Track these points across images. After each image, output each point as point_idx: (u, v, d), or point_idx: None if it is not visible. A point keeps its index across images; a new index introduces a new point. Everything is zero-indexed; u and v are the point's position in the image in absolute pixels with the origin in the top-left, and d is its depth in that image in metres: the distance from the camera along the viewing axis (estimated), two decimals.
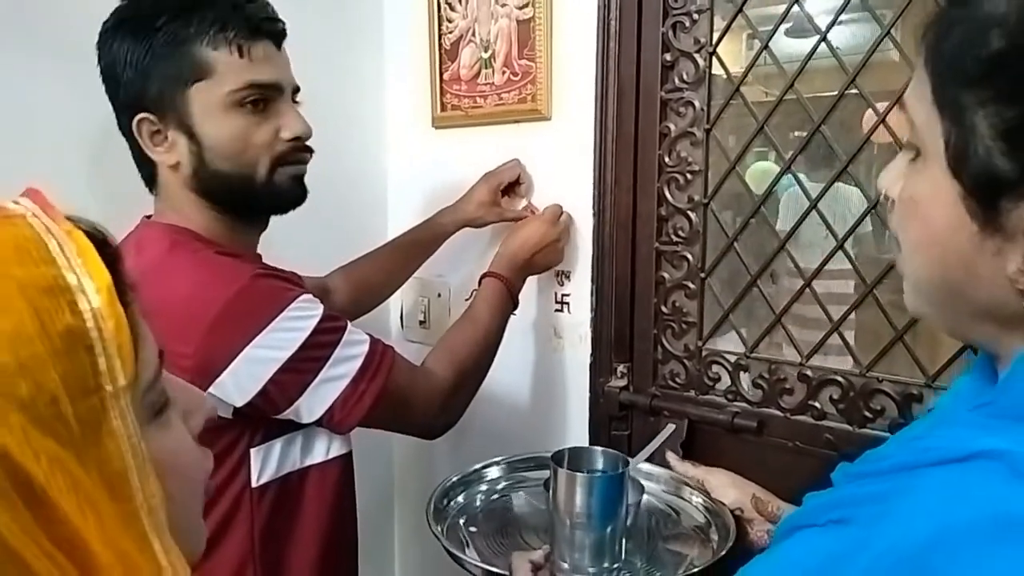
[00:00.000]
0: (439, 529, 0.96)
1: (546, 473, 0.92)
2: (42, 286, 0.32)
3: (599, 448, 0.98)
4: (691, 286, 1.20)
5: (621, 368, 1.27)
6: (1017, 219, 0.42)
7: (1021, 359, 0.42)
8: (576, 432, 1.33)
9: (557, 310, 1.33)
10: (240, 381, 0.82)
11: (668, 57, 1.17)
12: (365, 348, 0.90)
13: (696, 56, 1.14)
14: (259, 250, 0.98)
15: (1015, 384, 0.41)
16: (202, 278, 0.84)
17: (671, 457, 1.01)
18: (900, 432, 0.50)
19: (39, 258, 0.33)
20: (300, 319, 0.85)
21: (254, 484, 0.88)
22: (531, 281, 1.27)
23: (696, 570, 0.88)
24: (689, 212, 1.18)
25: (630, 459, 0.96)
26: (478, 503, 1.09)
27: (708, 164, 1.16)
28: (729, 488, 0.90)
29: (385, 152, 1.57)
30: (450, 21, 1.40)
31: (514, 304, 1.16)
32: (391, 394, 0.91)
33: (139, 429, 0.35)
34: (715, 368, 1.19)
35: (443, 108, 1.44)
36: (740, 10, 1.10)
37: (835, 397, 1.06)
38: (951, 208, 0.45)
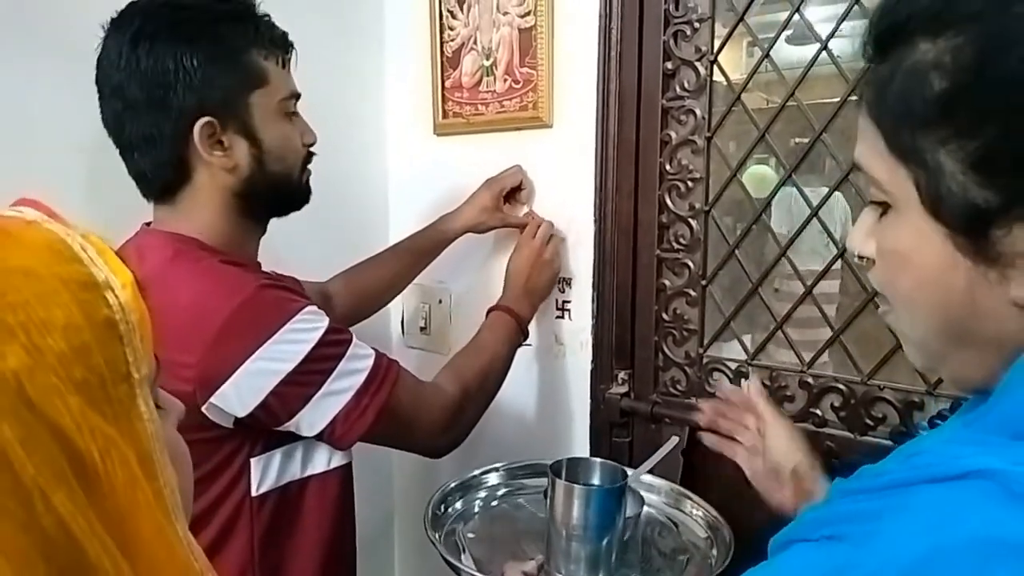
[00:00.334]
0: (436, 536, 0.95)
1: (545, 481, 0.91)
2: (80, 281, 0.35)
3: (598, 459, 0.98)
4: (692, 293, 1.20)
5: (622, 375, 1.27)
6: (1011, 244, 0.42)
7: (1011, 373, 0.42)
8: (577, 439, 1.33)
9: (558, 317, 1.33)
10: (242, 392, 0.81)
11: (669, 65, 1.17)
12: (370, 362, 0.90)
13: (697, 64, 1.15)
14: (263, 256, 0.99)
15: (1006, 398, 0.41)
16: (205, 288, 0.84)
17: (754, 384, 0.90)
18: (900, 447, 0.50)
19: (71, 257, 0.35)
20: (304, 331, 0.84)
21: (254, 493, 0.88)
22: None
23: None
24: (690, 219, 1.18)
25: (629, 471, 0.96)
26: (476, 509, 1.09)
27: (709, 172, 1.16)
28: (783, 441, 0.84)
29: (387, 159, 1.58)
30: (451, 29, 1.41)
31: (524, 334, 1.17)
32: (394, 410, 0.90)
33: (156, 416, 0.38)
34: (716, 375, 1.19)
35: (445, 115, 1.44)
36: (741, 18, 1.10)
37: (836, 405, 1.06)
38: (940, 249, 0.45)
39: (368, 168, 1.55)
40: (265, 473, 0.88)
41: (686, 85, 1.16)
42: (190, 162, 0.87)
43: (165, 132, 0.85)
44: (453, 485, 1.09)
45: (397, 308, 1.58)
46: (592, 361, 1.29)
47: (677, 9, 1.16)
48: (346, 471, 0.98)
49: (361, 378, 0.88)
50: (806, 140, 1.06)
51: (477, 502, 1.10)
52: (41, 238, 0.36)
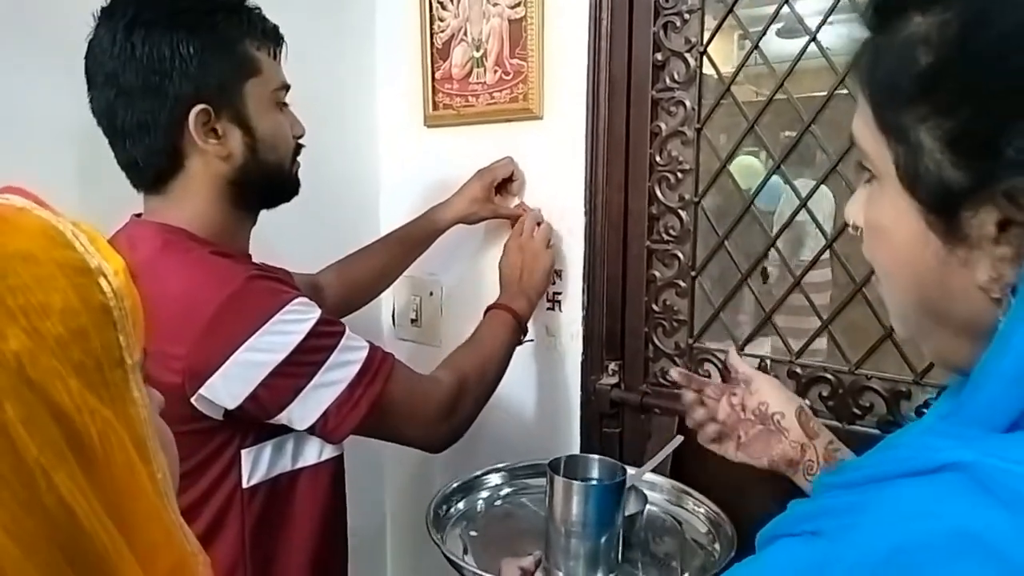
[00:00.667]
0: (439, 536, 0.95)
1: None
2: (75, 267, 0.35)
3: (597, 456, 0.97)
4: (682, 284, 1.20)
5: (612, 366, 1.27)
6: (979, 226, 0.42)
7: (983, 362, 0.42)
8: (568, 430, 1.33)
9: (549, 308, 1.34)
10: (230, 384, 0.81)
11: (659, 56, 1.17)
12: (364, 354, 0.89)
13: (687, 56, 1.15)
14: (254, 248, 0.99)
15: (981, 390, 0.41)
16: (195, 279, 0.84)
17: (731, 352, 0.92)
18: (883, 441, 0.50)
19: (64, 243, 0.36)
20: (294, 322, 0.84)
21: (245, 485, 0.87)
22: None
23: None
24: (680, 211, 1.19)
25: (629, 468, 0.96)
26: (479, 509, 1.08)
27: (699, 163, 1.16)
28: (777, 391, 0.85)
29: (377, 150, 1.57)
30: (442, 20, 1.40)
31: (522, 330, 1.17)
32: (389, 402, 0.90)
33: (148, 402, 0.38)
34: (706, 366, 1.20)
35: (435, 107, 1.44)
36: (731, 10, 1.10)
37: (824, 394, 1.07)
38: (914, 226, 0.45)
39: (358, 160, 1.55)
40: (256, 465, 0.88)
41: (676, 77, 1.16)
42: (184, 150, 0.87)
43: (160, 120, 0.84)
44: (455, 485, 1.08)
45: (388, 300, 1.58)
46: (582, 352, 1.30)
47: (667, 0, 1.16)
48: (337, 464, 0.98)
49: (354, 369, 0.87)
50: (795, 133, 1.06)
51: (479, 502, 1.10)
52: (36, 224, 0.36)
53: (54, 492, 0.31)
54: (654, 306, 1.24)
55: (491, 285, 1.34)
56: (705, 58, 1.14)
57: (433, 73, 1.43)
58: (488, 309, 1.17)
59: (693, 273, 1.19)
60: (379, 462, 1.67)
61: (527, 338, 1.22)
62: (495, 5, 1.31)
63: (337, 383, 0.86)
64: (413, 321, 1.57)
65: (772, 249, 1.10)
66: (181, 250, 0.86)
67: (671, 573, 0.96)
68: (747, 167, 1.15)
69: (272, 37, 0.92)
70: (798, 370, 1.09)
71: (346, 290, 1.26)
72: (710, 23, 1.13)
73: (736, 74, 1.11)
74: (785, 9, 1.05)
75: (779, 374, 1.11)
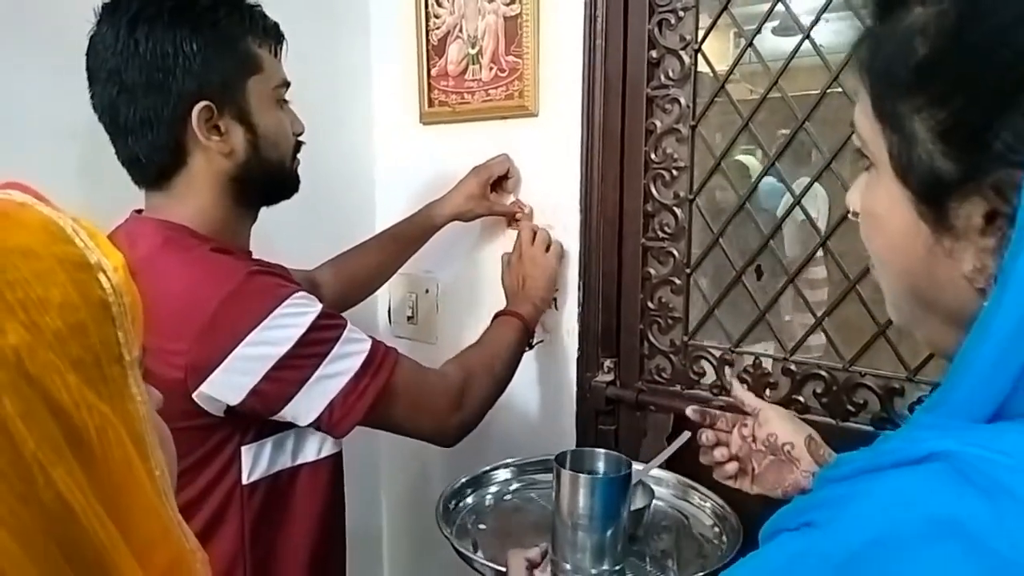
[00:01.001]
0: (449, 531, 0.96)
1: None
2: (75, 262, 0.35)
3: (602, 450, 0.97)
4: (677, 281, 1.21)
5: (608, 363, 1.28)
6: (965, 217, 0.43)
7: (962, 353, 0.42)
8: (563, 426, 1.34)
9: None
10: (233, 379, 0.81)
11: (654, 54, 1.18)
12: (367, 346, 0.89)
13: (682, 53, 1.15)
14: (252, 245, 0.99)
15: (963, 383, 0.42)
16: (196, 276, 0.84)
17: (736, 384, 0.94)
18: (881, 435, 0.51)
19: (64, 238, 0.36)
20: (295, 315, 0.84)
21: (245, 481, 0.88)
22: None
23: (703, 574, 0.90)
24: (675, 208, 1.19)
25: (634, 462, 0.96)
26: (488, 503, 1.10)
27: (694, 161, 1.17)
28: (785, 421, 0.86)
29: (373, 147, 1.57)
30: (437, 17, 1.40)
31: (529, 333, 1.18)
32: (395, 393, 0.90)
33: (147, 398, 0.38)
34: (701, 363, 1.20)
35: (431, 104, 1.44)
36: (725, 8, 1.11)
37: (818, 391, 1.08)
38: (906, 214, 0.46)
39: (354, 157, 1.55)
40: (256, 461, 0.88)
41: (671, 74, 1.17)
42: (186, 146, 0.87)
43: (163, 116, 0.84)
44: (464, 480, 1.10)
45: (384, 297, 1.59)
46: (578, 349, 1.30)
47: None
48: (336, 460, 0.99)
49: (359, 360, 0.87)
50: (789, 131, 1.06)
51: (488, 497, 1.11)
52: (36, 219, 0.36)
53: (52, 487, 0.31)
54: (649, 303, 1.24)
55: (487, 282, 1.35)
56: (700, 56, 1.14)
57: (429, 70, 1.43)
58: (495, 317, 1.18)
59: (688, 270, 1.19)
60: (375, 461, 1.67)
61: (536, 340, 1.23)
62: (490, 2, 1.32)
63: (341, 374, 0.86)
64: (409, 318, 1.57)
65: (767, 247, 1.11)
66: (182, 247, 0.86)
67: (677, 567, 0.97)
68: (744, 165, 1.15)
69: (273, 34, 0.93)
70: (792, 367, 1.10)
71: (342, 287, 1.26)
72: (705, 21, 1.13)
73: (731, 72, 1.12)
74: (779, 7, 1.06)
75: (773, 371, 1.12)
